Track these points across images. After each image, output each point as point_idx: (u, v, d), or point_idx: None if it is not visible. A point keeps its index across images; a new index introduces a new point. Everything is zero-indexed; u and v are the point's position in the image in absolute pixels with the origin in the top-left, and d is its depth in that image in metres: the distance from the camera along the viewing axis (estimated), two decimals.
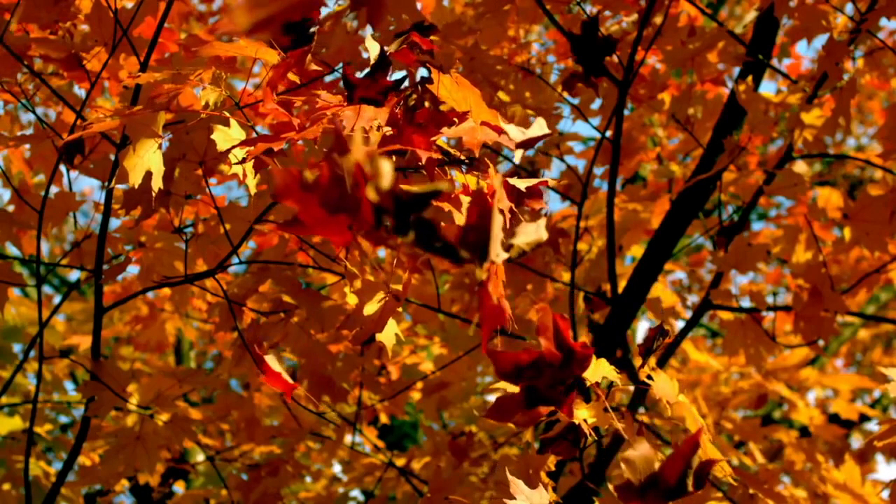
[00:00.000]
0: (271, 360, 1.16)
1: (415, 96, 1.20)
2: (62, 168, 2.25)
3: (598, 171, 3.12)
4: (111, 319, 3.76)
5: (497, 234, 0.78)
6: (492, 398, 3.56)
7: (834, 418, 4.96)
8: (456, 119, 1.22)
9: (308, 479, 3.61)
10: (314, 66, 1.33)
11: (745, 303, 2.60)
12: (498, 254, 0.78)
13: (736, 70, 2.76)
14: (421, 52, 1.24)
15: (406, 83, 1.24)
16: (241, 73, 2.37)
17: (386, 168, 0.74)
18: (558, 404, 0.92)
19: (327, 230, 0.75)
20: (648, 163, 3.76)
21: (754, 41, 2.50)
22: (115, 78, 1.96)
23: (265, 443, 2.97)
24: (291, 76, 1.38)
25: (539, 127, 1.23)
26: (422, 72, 1.34)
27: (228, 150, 1.33)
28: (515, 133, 1.23)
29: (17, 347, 3.50)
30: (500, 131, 1.23)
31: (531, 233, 0.84)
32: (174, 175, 1.73)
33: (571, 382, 0.91)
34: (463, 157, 1.26)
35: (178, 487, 3.64)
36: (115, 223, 4.63)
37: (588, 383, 1.29)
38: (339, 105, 1.23)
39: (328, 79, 1.77)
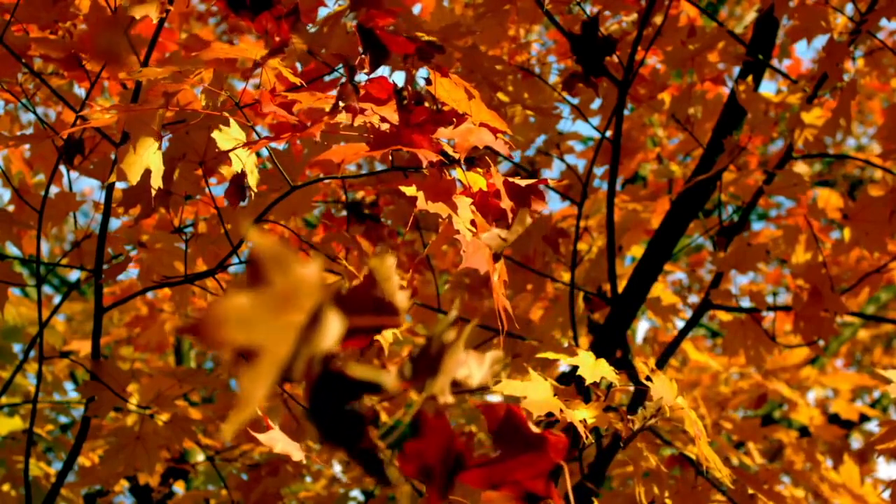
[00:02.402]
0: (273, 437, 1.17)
1: (407, 92, 1.19)
2: (62, 168, 2.25)
3: (598, 171, 3.12)
4: (111, 321, 3.76)
5: (450, 372, 0.69)
6: (492, 398, 3.55)
7: (834, 418, 4.95)
8: (455, 119, 1.22)
9: (308, 479, 3.61)
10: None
11: (745, 303, 2.60)
12: (443, 391, 0.68)
13: (736, 70, 2.76)
14: (420, 48, 1.24)
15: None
16: (241, 72, 2.37)
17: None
18: (545, 495, 0.85)
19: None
20: (648, 163, 3.76)
21: (754, 41, 2.50)
22: (115, 78, 1.96)
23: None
24: (291, 77, 1.38)
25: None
26: (422, 72, 1.34)
27: (228, 151, 1.33)
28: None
29: (17, 347, 3.50)
30: (497, 132, 1.23)
31: (476, 374, 0.72)
32: (174, 175, 1.73)
33: (553, 471, 0.83)
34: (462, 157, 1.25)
35: (178, 487, 3.63)
36: (115, 223, 4.63)
37: (587, 383, 1.30)
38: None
39: (328, 78, 1.77)
